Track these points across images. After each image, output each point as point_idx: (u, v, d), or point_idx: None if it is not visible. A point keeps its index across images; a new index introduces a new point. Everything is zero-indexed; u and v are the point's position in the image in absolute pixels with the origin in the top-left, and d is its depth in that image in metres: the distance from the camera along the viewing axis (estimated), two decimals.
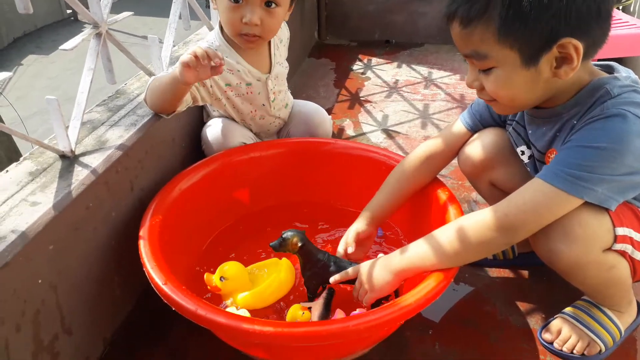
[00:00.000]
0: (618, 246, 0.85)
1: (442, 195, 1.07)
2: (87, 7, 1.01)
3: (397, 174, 1.12)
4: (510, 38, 0.78)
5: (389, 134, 1.82)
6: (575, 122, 0.84)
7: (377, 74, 2.36)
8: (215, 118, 1.34)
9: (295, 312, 0.96)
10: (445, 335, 1.02)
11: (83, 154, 0.98)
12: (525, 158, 1.00)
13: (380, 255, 0.98)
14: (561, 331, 0.98)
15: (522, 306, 1.09)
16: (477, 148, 1.06)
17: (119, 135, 1.05)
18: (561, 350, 0.97)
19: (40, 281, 0.81)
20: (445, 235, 0.88)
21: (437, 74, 2.34)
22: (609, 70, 0.89)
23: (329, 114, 1.94)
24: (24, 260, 0.76)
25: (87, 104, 1.02)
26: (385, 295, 0.93)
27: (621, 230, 0.84)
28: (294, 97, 1.52)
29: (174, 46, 1.38)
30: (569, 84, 0.84)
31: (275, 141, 1.33)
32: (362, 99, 2.11)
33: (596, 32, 0.79)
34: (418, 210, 1.13)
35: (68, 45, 0.93)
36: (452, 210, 1.02)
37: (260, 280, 1.06)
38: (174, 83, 1.05)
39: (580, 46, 0.76)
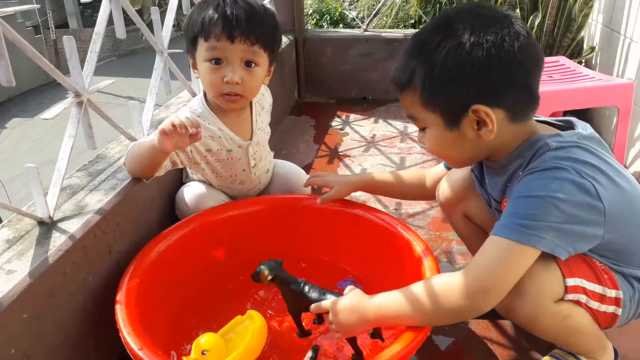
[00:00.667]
0: (570, 296, 0.87)
1: (418, 248, 1.09)
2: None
3: (389, 175, 1.26)
4: (431, 104, 0.87)
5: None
6: (520, 172, 0.89)
7: (355, 130, 2.43)
8: (193, 181, 1.36)
9: None
10: None
11: (61, 220, 0.99)
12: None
13: (352, 289, 0.95)
14: None
15: (502, 357, 1.09)
16: (451, 180, 1.14)
17: (98, 200, 1.06)
18: None
19: (13, 351, 0.80)
20: (418, 297, 0.87)
21: (412, 127, 2.42)
22: (570, 124, 0.95)
23: (309, 170, 2.00)
24: None
25: (67, 169, 1.04)
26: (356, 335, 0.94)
27: (571, 281, 0.86)
28: (275, 154, 1.55)
29: (155, 109, 1.42)
30: (507, 140, 0.90)
31: (252, 199, 1.35)
32: (340, 153, 2.17)
33: (510, 100, 0.86)
34: (393, 261, 1.15)
35: (49, 114, 0.97)
36: (426, 263, 1.04)
37: (236, 342, 1.05)
38: (152, 151, 1.08)
39: (491, 112, 0.84)
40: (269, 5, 1.31)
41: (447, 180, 1.14)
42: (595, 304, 0.89)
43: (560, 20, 2.01)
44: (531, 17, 1.97)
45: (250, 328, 1.05)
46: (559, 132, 0.90)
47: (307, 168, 2.03)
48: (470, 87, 0.84)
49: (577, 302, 0.88)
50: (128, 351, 0.84)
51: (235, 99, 1.24)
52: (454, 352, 1.11)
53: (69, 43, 1.01)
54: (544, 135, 0.89)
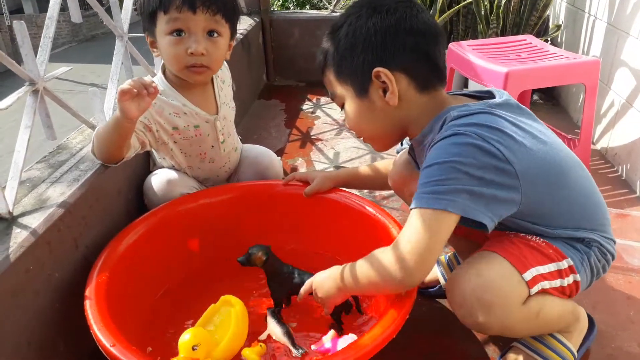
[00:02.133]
0: (534, 290, 0.87)
1: (394, 230, 1.09)
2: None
3: (356, 171, 1.29)
4: (342, 76, 0.94)
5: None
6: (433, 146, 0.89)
7: (327, 112, 2.40)
8: (161, 169, 1.32)
9: (251, 355, 0.99)
10: None
11: (22, 215, 0.94)
12: None
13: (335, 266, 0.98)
14: None
15: (480, 336, 1.10)
16: (396, 165, 1.16)
17: (60, 193, 1.01)
18: None
19: None
20: (362, 267, 0.91)
21: None
22: (490, 95, 0.96)
23: (281, 154, 1.97)
24: None
25: (26, 161, 0.99)
26: (339, 304, 0.99)
27: (529, 275, 0.86)
28: (245, 140, 1.53)
29: None
30: (417, 112, 0.93)
31: (223, 186, 1.32)
32: (313, 137, 2.14)
33: (410, 65, 0.90)
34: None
35: (2, 104, 0.91)
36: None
37: (220, 330, 1.02)
38: (117, 124, 1.05)
39: (390, 74, 0.88)
40: None
41: (393, 165, 1.17)
42: (557, 283, 0.90)
43: None
44: None
45: (232, 313, 1.04)
46: (469, 104, 0.91)
47: (279, 152, 2.00)
48: (369, 52, 0.89)
49: (542, 291, 0.88)
50: (101, 348, 0.81)
51: (200, 70, 1.21)
52: (433, 333, 1.11)
53: (19, 28, 0.95)
54: (452, 107, 0.90)
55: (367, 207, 1.18)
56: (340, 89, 0.95)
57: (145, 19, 1.19)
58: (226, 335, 0.99)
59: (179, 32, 1.16)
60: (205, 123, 1.30)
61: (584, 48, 2.06)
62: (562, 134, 1.84)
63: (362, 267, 0.91)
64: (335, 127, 2.24)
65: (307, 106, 2.51)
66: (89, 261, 1.01)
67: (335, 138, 2.13)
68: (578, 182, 0.93)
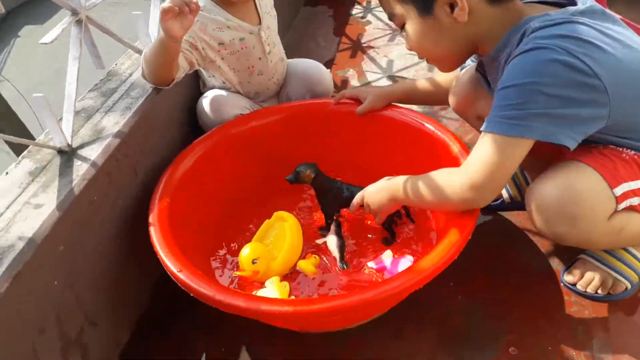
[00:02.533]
0: (622, 205, 0.82)
1: (454, 147, 1.04)
2: None
3: (412, 85, 1.22)
4: None
5: (396, 80, 1.75)
6: (509, 61, 0.81)
7: (378, 17, 2.25)
8: (211, 89, 1.31)
9: (306, 266, 1.03)
10: (468, 287, 1.01)
11: (81, 147, 0.96)
12: None
13: (386, 178, 1.00)
14: (584, 273, 0.97)
15: (544, 248, 1.07)
16: (458, 85, 1.09)
17: (115, 122, 1.02)
18: (585, 292, 0.96)
19: (56, 282, 0.81)
20: (430, 184, 0.89)
21: None
22: (571, 2, 0.84)
23: (331, 65, 1.90)
24: (36, 266, 0.76)
25: (78, 91, 0.99)
26: (392, 213, 1.01)
27: (619, 190, 0.81)
28: (293, 52, 1.47)
29: None
30: (488, 27, 0.84)
31: (273, 107, 1.29)
32: (364, 45, 2.03)
33: None
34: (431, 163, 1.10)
35: (48, 38, 0.89)
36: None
37: (276, 244, 1.06)
38: (163, 45, 1.03)
39: None
40: None
41: (455, 85, 1.09)
42: None
43: None
44: None
45: (286, 227, 1.06)
46: (549, 12, 0.80)
47: (328, 64, 1.92)
48: None
49: (630, 207, 0.83)
50: (169, 274, 0.84)
51: None
52: (496, 246, 1.09)
53: None
54: (531, 17, 0.80)
55: (426, 124, 1.12)
56: (399, 8, 0.87)
57: None
58: (282, 249, 1.03)
59: None
60: (250, 34, 1.26)
61: None
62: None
63: (427, 182, 0.89)
64: (389, 32, 2.11)
65: (356, 10, 2.35)
66: (148, 187, 1.04)
67: (389, 45, 2.01)
68: None
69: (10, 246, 0.76)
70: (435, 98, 1.20)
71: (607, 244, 0.91)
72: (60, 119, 0.96)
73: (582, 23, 0.78)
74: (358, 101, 1.22)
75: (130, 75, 1.19)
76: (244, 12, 1.25)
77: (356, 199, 1.03)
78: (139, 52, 1.20)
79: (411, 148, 1.15)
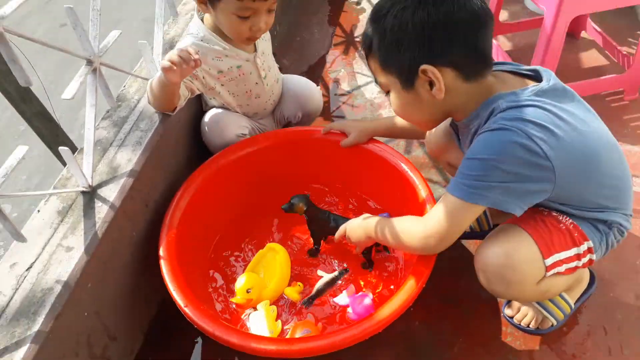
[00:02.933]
0: (549, 273, 0.98)
1: (422, 193, 1.20)
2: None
3: (392, 122, 1.32)
4: (388, 68, 0.96)
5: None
6: (477, 132, 0.95)
7: (372, 3, 2.31)
8: (213, 108, 1.43)
9: (291, 294, 1.20)
10: (424, 313, 1.21)
11: (99, 186, 1.10)
12: None
13: (364, 216, 1.17)
14: (520, 308, 1.17)
15: None
16: (433, 137, 1.25)
17: (127, 159, 1.16)
18: (519, 324, 1.17)
19: (86, 314, 0.99)
20: (393, 232, 1.05)
21: None
22: (536, 74, 0.97)
23: (324, 64, 1.99)
24: (71, 305, 0.94)
25: (94, 139, 1.12)
26: (369, 246, 1.21)
27: (550, 260, 0.97)
28: (288, 42, 1.63)
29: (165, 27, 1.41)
30: (464, 100, 0.95)
31: (266, 134, 1.41)
32: (356, 39, 2.11)
33: (457, 58, 0.90)
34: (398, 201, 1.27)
35: (68, 94, 1.00)
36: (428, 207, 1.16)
37: (268, 273, 1.24)
38: (163, 85, 1.17)
39: (437, 71, 0.90)
40: None
41: (431, 134, 1.24)
42: (572, 264, 1.01)
43: None
44: None
45: (277, 259, 1.24)
46: (516, 90, 0.92)
47: (321, 61, 2.01)
48: (416, 49, 0.90)
49: (556, 274, 1.00)
50: (176, 305, 1.03)
51: (256, 38, 1.32)
52: (452, 275, 1.27)
53: (70, 12, 1.00)
54: (500, 94, 0.92)
55: (402, 164, 1.27)
56: (385, 78, 0.98)
57: None
58: (273, 279, 1.21)
59: (246, 15, 1.22)
60: (247, 62, 1.37)
61: None
62: (618, 48, 1.75)
63: (393, 229, 1.05)
64: None
65: None
66: (158, 215, 1.20)
67: None
68: (611, 166, 0.98)
69: (49, 289, 0.93)
70: (411, 134, 1.34)
71: (535, 299, 1.10)
72: (82, 161, 1.10)
73: (542, 107, 0.89)
74: (344, 133, 1.35)
75: (139, 102, 1.31)
76: None
77: (339, 232, 1.20)
78: (145, 79, 1.31)
79: (385, 182, 1.31)
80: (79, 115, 2.71)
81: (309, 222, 1.27)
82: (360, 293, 1.20)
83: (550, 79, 0.95)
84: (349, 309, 1.17)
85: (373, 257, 1.27)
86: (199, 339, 1.19)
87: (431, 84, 0.93)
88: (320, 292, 1.19)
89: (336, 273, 1.21)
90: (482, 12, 0.90)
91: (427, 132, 1.26)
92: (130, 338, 1.17)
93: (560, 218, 1.00)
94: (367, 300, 1.16)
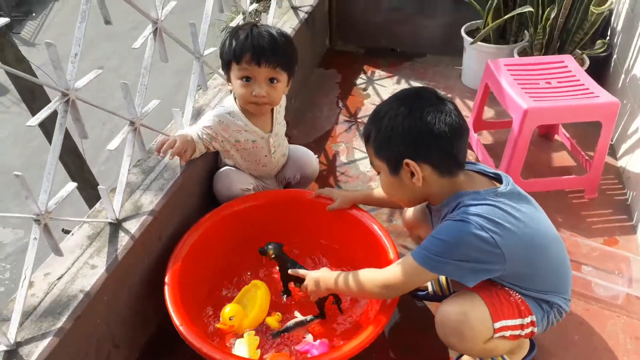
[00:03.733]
0: (497, 335, 1.18)
1: (392, 254, 1.42)
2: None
3: (372, 193, 1.56)
4: (379, 156, 1.20)
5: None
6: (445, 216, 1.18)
7: (377, 91, 2.63)
8: (226, 167, 1.69)
9: (271, 322, 1.42)
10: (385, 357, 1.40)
11: (124, 220, 1.35)
12: None
13: (323, 269, 1.38)
14: None
15: None
16: (410, 213, 1.48)
17: (150, 201, 1.41)
18: None
19: (98, 321, 1.21)
20: (355, 279, 1.25)
21: None
22: (498, 177, 1.22)
23: (328, 137, 2.28)
24: (89, 312, 1.15)
25: (125, 182, 1.38)
26: (323, 297, 1.37)
27: (498, 325, 1.17)
28: (299, 116, 2.05)
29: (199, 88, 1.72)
30: (437, 190, 1.19)
31: (264, 192, 1.68)
32: (359, 120, 2.41)
33: (435, 159, 1.15)
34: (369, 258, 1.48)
35: (112, 146, 1.27)
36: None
37: (250, 305, 1.45)
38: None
39: (417, 166, 1.14)
40: (286, 33, 1.55)
41: (407, 213, 1.49)
42: (516, 332, 1.20)
43: (575, 14, 2.07)
44: (547, 10, 2.04)
45: (258, 293, 1.45)
46: (480, 190, 1.16)
47: (327, 134, 2.30)
48: (402, 146, 1.15)
49: (502, 337, 1.19)
50: (172, 323, 1.23)
51: (262, 105, 1.57)
52: (413, 328, 1.47)
53: (124, 88, 1.29)
54: (466, 192, 1.16)
55: (375, 228, 1.50)
56: (377, 163, 1.22)
57: (223, 64, 1.54)
58: (254, 309, 1.42)
59: (247, 78, 1.51)
60: (261, 139, 1.64)
61: (630, 64, 2.13)
62: (582, 153, 2.00)
63: (356, 276, 1.25)
64: None
65: (361, 80, 2.73)
66: (168, 248, 1.43)
67: None
68: (554, 255, 1.21)
69: (74, 296, 1.15)
70: (387, 204, 1.59)
71: (481, 355, 1.28)
72: (113, 199, 1.35)
73: (498, 206, 1.11)
74: (331, 199, 1.60)
75: (165, 156, 1.57)
76: (261, 121, 1.64)
77: (297, 272, 1.38)
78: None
79: (360, 241, 1.53)
80: (101, 153, 3.01)
81: (279, 267, 1.48)
82: (318, 341, 1.38)
83: (508, 183, 1.19)
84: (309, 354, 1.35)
85: (327, 308, 1.46)
86: None
87: (412, 174, 1.16)
88: (289, 329, 1.39)
89: (308, 317, 1.42)
90: (458, 127, 1.14)
91: (406, 208, 1.50)
92: (131, 349, 1.37)
93: (511, 292, 1.21)
94: (323, 347, 1.34)
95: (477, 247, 1.09)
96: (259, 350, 1.35)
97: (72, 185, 1.17)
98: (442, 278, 1.54)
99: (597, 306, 1.53)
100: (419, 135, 1.13)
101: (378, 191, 1.56)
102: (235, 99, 1.61)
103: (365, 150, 1.27)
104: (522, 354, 1.35)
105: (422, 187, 1.18)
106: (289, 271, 1.40)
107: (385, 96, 2.57)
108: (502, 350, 1.25)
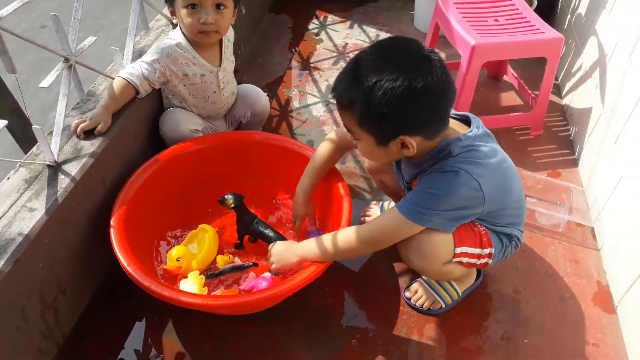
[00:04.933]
0: (455, 260, 1.21)
1: (341, 190, 1.42)
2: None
3: (312, 166, 1.45)
4: (366, 127, 1.08)
5: (329, 107, 2.11)
6: (427, 168, 1.16)
7: (330, 36, 2.58)
8: (172, 108, 1.64)
9: (220, 260, 1.42)
10: (337, 293, 1.42)
11: (64, 162, 1.29)
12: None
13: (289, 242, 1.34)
14: (417, 291, 1.39)
15: (398, 269, 1.49)
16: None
17: (90, 143, 1.35)
18: (415, 305, 1.38)
19: (40, 264, 1.17)
20: (330, 242, 1.22)
21: (383, 37, 2.56)
22: (466, 119, 1.20)
23: (280, 82, 2.24)
24: (29, 255, 1.11)
25: (63, 124, 1.31)
26: (288, 269, 1.32)
27: (459, 250, 1.20)
28: (250, 62, 1.99)
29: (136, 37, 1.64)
30: (422, 150, 1.12)
31: (210, 135, 1.63)
32: (312, 65, 2.37)
33: (428, 129, 1.09)
34: (322, 201, 1.49)
35: (45, 83, 1.20)
36: (345, 202, 1.38)
37: (199, 247, 1.44)
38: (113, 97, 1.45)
39: (413, 140, 1.06)
40: None
41: None
42: (472, 261, 1.24)
43: None
44: None
45: (206, 236, 1.44)
46: (460, 135, 1.13)
47: (278, 80, 2.26)
48: (400, 124, 1.05)
49: (459, 262, 1.23)
50: (121, 266, 1.21)
51: (210, 34, 1.51)
52: (367, 264, 1.50)
53: (55, 19, 1.21)
54: (449, 141, 1.11)
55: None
56: (359, 132, 1.10)
57: None
58: (202, 251, 1.41)
59: (193, 5, 1.45)
60: (210, 73, 1.60)
61: (575, 4, 2.16)
62: (529, 91, 2.04)
63: (339, 240, 1.20)
64: (334, 54, 2.44)
65: (313, 25, 2.67)
66: (112, 192, 1.38)
67: (332, 68, 2.35)
68: (516, 190, 1.24)
69: (12, 239, 1.10)
70: (325, 171, 1.45)
71: (437, 277, 1.33)
72: (51, 141, 1.29)
73: (479, 149, 1.11)
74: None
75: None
76: (210, 54, 1.59)
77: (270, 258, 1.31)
78: (113, 78, 1.52)
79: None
80: (49, 117, 2.87)
81: (236, 218, 1.46)
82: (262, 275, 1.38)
83: (479, 125, 1.18)
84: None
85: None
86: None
87: (402, 144, 1.09)
88: (224, 272, 1.39)
89: (246, 264, 1.41)
90: (449, 88, 1.06)
91: None
92: (79, 294, 1.34)
93: (477, 224, 1.23)
94: (269, 282, 1.34)
95: (467, 196, 1.10)
96: (205, 287, 1.35)
97: (2, 122, 1.10)
98: None
99: (539, 234, 1.60)
100: (418, 113, 1.04)
101: (311, 176, 1.44)
102: (182, 31, 1.55)
103: (340, 115, 1.13)
104: (470, 281, 1.41)
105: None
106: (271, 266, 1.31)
107: (339, 42, 2.56)
108: (456, 274, 1.30)
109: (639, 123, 1.41)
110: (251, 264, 1.41)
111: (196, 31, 1.49)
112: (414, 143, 1.08)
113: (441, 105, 1.08)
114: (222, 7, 1.48)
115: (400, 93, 1.00)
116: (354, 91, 1.04)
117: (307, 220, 1.51)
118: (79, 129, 1.35)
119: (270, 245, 1.34)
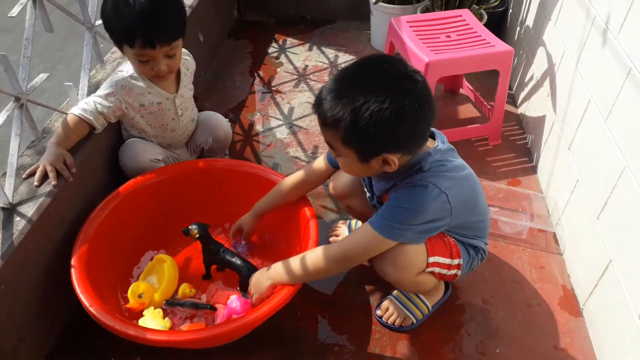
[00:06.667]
0: (428, 269, 1.23)
1: (307, 212, 1.42)
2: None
3: (277, 191, 1.47)
4: (349, 146, 1.09)
5: (293, 129, 2.12)
6: (398, 183, 1.17)
7: (290, 59, 2.60)
8: (131, 139, 1.62)
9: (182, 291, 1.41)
10: (308, 316, 1.41)
11: (19, 203, 1.26)
12: (368, 197, 1.36)
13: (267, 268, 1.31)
14: (388, 309, 1.40)
15: (368, 288, 1.49)
16: (339, 182, 1.42)
17: (47, 182, 1.32)
18: (386, 322, 1.39)
19: None
20: (300, 263, 1.22)
21: (342, 57, 2.61)
22: (430, 134, 1.20)
23: (242, 107, 2.24)
24: None
25: (17, 165, 1.28)
26: (267, 297, 1.29)
27: (432, 259, 1.22)
28: (211, 88, 1.97)
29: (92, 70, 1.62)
30: (400, 166, 1.13)
31: (171, 166, 1.62)
32: (273, 89, 2.38)
33: (409, 147, 1.11)
34: (288, 222, 1.48)
35: None
36: (312, 224, 1.38)
37: (159, 279, 1.42)
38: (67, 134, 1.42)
39: (395, 158, 1.09)
40: None
41: (337, 182, 1.42)
42: (443, 271, 1.26)
43: None
44: None
45: (165, 267, 1.42)
46: (430, 150, 1.15)
47: (241, 104, 2.26)
48: (384, 144, 1.07)
49: (432, 272, 1.25)
50: (84, 306, 1.18)
51: (164, 77, 1.51)
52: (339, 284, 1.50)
53: (2, 59, 1.19)
54: (420, 156, 1.13)
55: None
56: (341, 149, 1.11)
57: (113, 39, 1.43)
58: (162, 283, 1.39)
59: (144, 60, 1.44)
60: (166, 100, 1.59)
61: (523, 17, 2.24)
62: (485, 103, 2.10)
63: (309, 261, 1.20)
64: (295, 77, 2.47)
65: (272, 49, 2.69)
66: (73, 231, 1.35)
67: (293, 91, 2.37)
68: (481, 203, 1.28)
69: None
70: (284, 201, 1.47)
71: (410, 287, 1.34)
72: (4, 183, 1.25)
73: (446, 164, 1.14)
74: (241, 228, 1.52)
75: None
76: (165, 83, 1.57)
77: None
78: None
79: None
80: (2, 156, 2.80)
81: (202, 248, 1.43)
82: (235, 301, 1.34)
83: (444, 140, 1.21)
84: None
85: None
86: None
87: (384, 161, 1.10)
88: (183, 304, 1.35)
89: (205, 304, 1.36)
90: (431, 108, 1.08)
91: (333, 178, 1.43)
92: (42, 339, 1.29)
93: (447, 235, 1.25)
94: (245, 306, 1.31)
95: (437, 209, 1.13)
96: (167, 318, 1.32)
97: None
98: None
99: (504, 242, 1.63)
100: (403, 134, 1.06)
101: (269, 200, 1.48)
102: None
103: (323, 133, 1.13)
104: (438, 296, 1.42)
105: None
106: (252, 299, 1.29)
107: (299, 64, 2.58)
108: (428, 285, 1.31)
109: (589, 128, 1.46)
110: (209, 306, 1.36)
111: (149, 76, 1.51)
112: (396, 161, 1.09)
113: (424, 125, 1.10)
114: (173, 54, 1.47)
115: (387, 115, 1.01)
116: (340, 110, 1.03)
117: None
118: (36, 181, 1.31)
119: (250, 278, 1.32)
